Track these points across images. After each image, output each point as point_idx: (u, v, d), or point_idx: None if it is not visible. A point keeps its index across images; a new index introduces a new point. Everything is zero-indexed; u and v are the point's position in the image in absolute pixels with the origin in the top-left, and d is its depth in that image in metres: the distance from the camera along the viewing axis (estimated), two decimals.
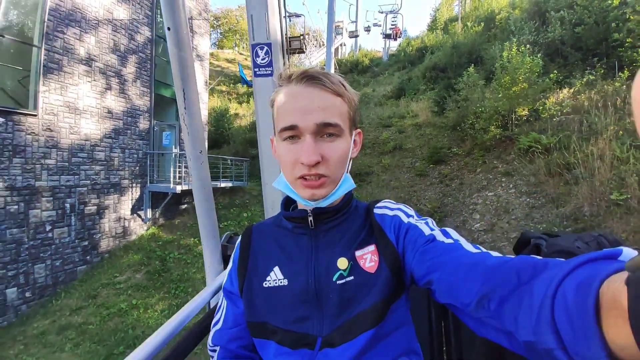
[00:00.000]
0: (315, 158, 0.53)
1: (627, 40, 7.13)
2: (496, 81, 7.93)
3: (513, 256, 0.42)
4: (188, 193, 8.49)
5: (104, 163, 6.54)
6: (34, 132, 5.37)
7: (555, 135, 6.31)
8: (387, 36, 22.83)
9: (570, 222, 4.70)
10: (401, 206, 0.65)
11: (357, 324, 0.54)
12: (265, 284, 0.60)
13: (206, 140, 9.75)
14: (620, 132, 5.54)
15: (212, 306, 0.88)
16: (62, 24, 5.77)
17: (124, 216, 7.02)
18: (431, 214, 7.49)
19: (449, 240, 0.52)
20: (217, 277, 0.98)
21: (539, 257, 0.37)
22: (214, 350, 0.65)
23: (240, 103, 18.86)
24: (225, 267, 1.01)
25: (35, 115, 5.37)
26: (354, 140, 0.62)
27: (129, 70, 7.08)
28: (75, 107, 5.96)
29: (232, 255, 0.70)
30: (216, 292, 0.83)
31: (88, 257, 6.27)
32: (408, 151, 10.85)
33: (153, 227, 7.66)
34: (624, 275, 0.22)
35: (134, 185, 7.24)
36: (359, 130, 0.64)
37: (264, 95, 2.81)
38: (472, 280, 0.41)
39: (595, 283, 0.26)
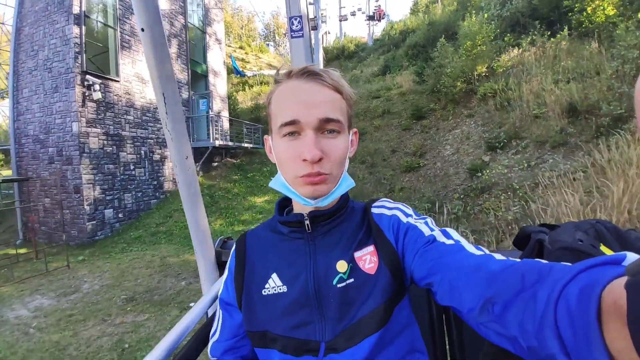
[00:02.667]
0: (318, 154, 0.52)
1: (576, 5, 8.72)
2: (461, 47, 10.00)
3: (517, 259, 0.41)
4: (218, 153, 10.41)
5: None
6: (118, 94, 7.22)
7: (502, 82, 8.45)
8: (370, 18, 23.43)
9: (506, 133, 6.85)
10: (399, 205, 0.64)
11: (361, 328, 0.54)
12: (264, 291, 0.59)
13: (227, 109, 11.63)
14: (550, 73, 7.68)
15: (210, 315, 0.87)
16: (128, 12, 7.57)
17: None
18: (414, 152, 9.62)
19: (450, 242, 0.52)
20: (213, 285, 0.95)
21: (544, 261, 0.37)
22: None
23: (236, 91, 20.24)
24: (221, 274, 0.96)
25: (118, 81, 7.21)
26: (351, 140, 0.61)
27: (172, 50, 8.89)
28: (142, 78, 7.81)
29: (228, 264, 0.68)
30: (214, 300, 0.82)
31: (157, 194, 8.20)
32: (395, 114, 12.88)
33: (199, 176, 9.59)
34: (625, 279, 0.23)
35: None
36: (355, 129, 0.63)
37: (299, 52, 4.60)
38: (475, 284, 0.41)
39: (598, 287, 0.26)
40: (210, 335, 0.67)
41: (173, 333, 0.69)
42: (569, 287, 0.29)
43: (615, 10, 7.84)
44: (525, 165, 5.48)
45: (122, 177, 7.29)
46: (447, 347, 0.87)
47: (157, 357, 0.61)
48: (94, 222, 6.68)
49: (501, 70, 9.27)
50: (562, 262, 0.37)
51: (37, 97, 6.87)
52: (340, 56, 23.44)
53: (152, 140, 8.11)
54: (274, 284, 0.59)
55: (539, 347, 0.30)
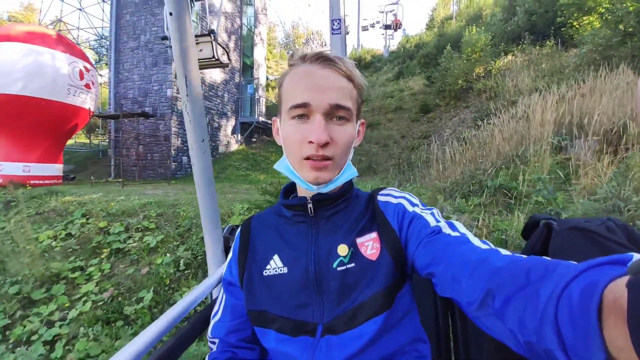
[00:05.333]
0: (325, 138, 0.53)
1: (568, 22, 10.55)
2: (463, 53, 12.12)
3: (523, 255, 0.41)
4: (256, 131, 12.63)
5: (221, 98, 10.72)
6: None
7: (493, 80, 10.51)
8: (387, 27, 23.88)
9: (490, 114, 8.87)
10: (406, 194, 0.64)
11: (361, 312, 0.54)
12: (266, 272, 0.61)
13: (265, 96, 13.92)
14: (530, 72, 9.71)
15: (214, 297, 0.90)
16: (204, 13, 9.96)
17: (228, 134, 11.18)
18: (420, 136, 11.66)
19: (456, 234, 0.52)
20: (219, 268, 0.99)
21: (549, 259, 0.36)
22: (214, 342, 0.66)
23: None
24: (226, 259, 0.94)
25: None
26: (358, 130, 0.62)
27: (231, 44, 11.27)
28: None
29: (232, 246, 0.70)
30: (218, 283, 0.84)
31: (214, 153, 10.42)
32: (406, 110, 14.99)
33: (241, 146, 11.83)
34: (627, 278, 0.23)
35: (232, 116, 11.41)
36: (362, 120, 0.65)
37: (337, 46, 6.26)
38: (478, 277, 0.41)
39: (600, 286, 0.26)
40: (212, 315, 0.68)
41: (173, 311, 0.68)
42: (572, 284, 0.29)
43: (600, 24, 9.78)
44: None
45: None
46: (452, 336, 0.86)
47: (156, 332, 0.61)
48: (176, 163, 8.91)
49: (495, 71, 11.34)
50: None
51: (137, 69, 9.22)
52: (357, 66, 25.36)
53: (214, 111, 10.40)
54: (275, 265, 0.60)
55: (537, 342, 0.30)
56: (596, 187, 3.00)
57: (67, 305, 2.89)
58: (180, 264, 3.12)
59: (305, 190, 0.62)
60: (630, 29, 7.52)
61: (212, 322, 0.67)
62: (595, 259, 0.30)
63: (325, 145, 0.54)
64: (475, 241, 0.49)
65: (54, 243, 3.87)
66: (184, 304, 0.71)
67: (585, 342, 0.25)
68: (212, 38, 4.23)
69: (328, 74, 0.56)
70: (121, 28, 9.69)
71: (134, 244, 3.62)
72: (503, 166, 4.01)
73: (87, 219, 4.26)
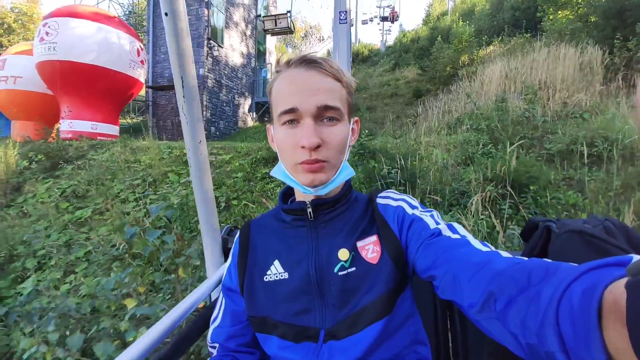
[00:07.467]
0: (316, 141, 0.53)
1: (546, 17, 12.43)
2: (452, 43, 13.89)
3: (523, 257, 0.41)
4: (267, 111, 14.31)
5: (240, 80, 12.36)
6: (221, 56, 11.15)
7: (474, 67, 12.29)
8: (384, 19, 24.16)
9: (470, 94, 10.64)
10: (405, 197, 0.64)
11: (363, 316, 0.54)
12: (266, 278, 0.61)
13: None
14: (506, 60, 11.50)
15: (213, 299, 0.90)
16: (229, 4, 11.56)
17: (245, 112, 12.85)
18: (412, 116, 13.42)
19: (456, 236, 0.52)
20: (217, 270, 0.98)
21: (550, 261, 0.37)
22: (214, 347, 0.66)
23: None
24: (225, 260, 0.98)
25: (222, 47, 11.15)
26: (352, 129, 0.62)
27: (248, 32, 12.89)
28: (233, 47, 11.76)
29: (232, 251, 0.70)
30: (217, 284, 0.83)
31: (235, 127, 12.09)
32: (400, 95, 16.72)
33: (255, 123, 13.50)
34: (626, 279, 0.23)
35: (248, 96, 13.07)
36: (356, 118, 0.65)
37: (342, 35, 7.74)
38: (479, 280, 0.41)
39: (600, 287, 0.26)
40: (211, 320, 0.69)
41: (173, 314, 0.67)
42: (573, 286, 0.29)
43: (572, 17, 11.51)
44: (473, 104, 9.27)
45: (219, 109, 11.21)
46: (451, 338, 0.86)
47: (155, 336, 0.60)
48: (206, 132, 10.54)
49: (478, 60, 13.14)
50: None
51: None
52: (354, 60, 26.84)
53: (235, 90, 12.08)
54: (276, 271, 0.60)
55: (539, 344, 0.30)
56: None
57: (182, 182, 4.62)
58: (252, 163, 4.88)
59: (303, 194, 0.62)
60: (602, 21, 9.11)
61: (211, 327, 0.68)
62: (595, 260, 0.30)
63: (317, 148, 0.54)
64: (476, 243, 0.50)
65: (153, 162, 5.57)
66: (183, 308, 0.71)
67: (585, 343, 0.26)
68: (289, 15, 6.02)
69: (313, 76, 0.56)
70: (158, 17, 11.24)
71: (213, 159, 5.34)
72: (464, 112, 5.77)
73: (171, 150, 5.96)
